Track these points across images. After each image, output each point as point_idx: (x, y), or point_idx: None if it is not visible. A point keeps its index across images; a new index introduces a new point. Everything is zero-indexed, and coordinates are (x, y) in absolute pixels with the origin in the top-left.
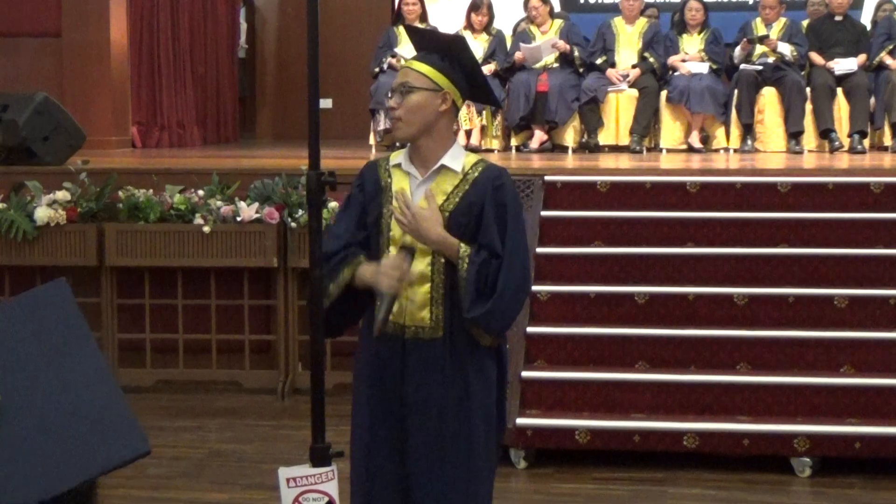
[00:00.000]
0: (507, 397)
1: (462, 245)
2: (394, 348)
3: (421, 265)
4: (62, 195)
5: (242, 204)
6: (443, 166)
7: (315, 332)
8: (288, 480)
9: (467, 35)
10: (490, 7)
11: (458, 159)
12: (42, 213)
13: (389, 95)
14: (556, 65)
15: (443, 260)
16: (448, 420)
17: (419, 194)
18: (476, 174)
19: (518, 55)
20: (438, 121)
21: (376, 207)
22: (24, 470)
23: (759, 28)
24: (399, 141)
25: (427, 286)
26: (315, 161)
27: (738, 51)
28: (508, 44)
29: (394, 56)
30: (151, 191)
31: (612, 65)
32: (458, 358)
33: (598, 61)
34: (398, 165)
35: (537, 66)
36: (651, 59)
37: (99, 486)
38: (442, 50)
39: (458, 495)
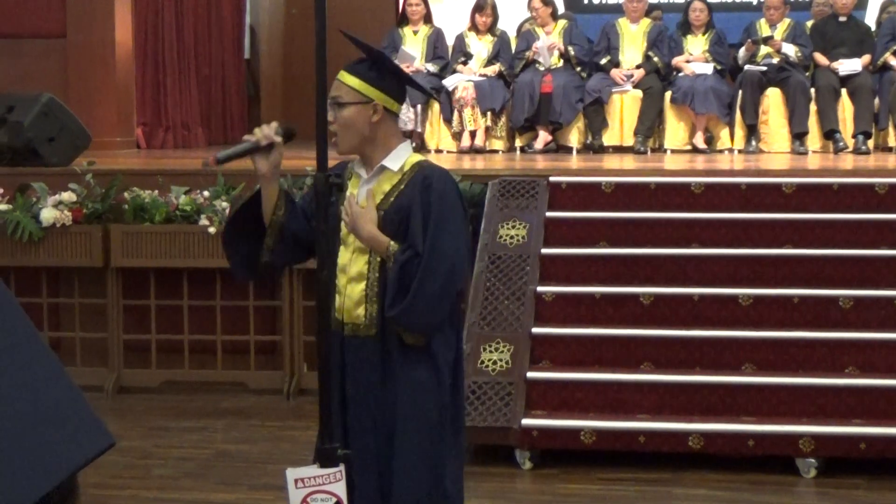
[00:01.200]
0: (460, 394)
1: (391, 244)
2: (335, 344)
3: (359, 264)
4: (68, 196)
5: None
6: (382, 167)
7: (322, 331)
8: (296, 481)
9: (471, 36)
10: (494, 8)
11: (398, 160)
12: (48, 215)
13: (328, 106)
14: (559, 64)
15: (379, 259)
16: (384, 418)
17: (363, 194)
18: (411, 175)
19: (535, 48)
20: (376, 130)
21: (334, 205)
22: None
23: (764, 29)
24: (341, 154)
25: (363, 284)
26: (322, 162)
27: (742, 51)
28: (513, 45)
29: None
30: (157, 192)
31: (616, 65)
32: (391, 356)
33: (602, 61)
34: (351, 169)
35: (541, 68)
36: (655, 59)
37: (77, 484)
38: (371, 62)
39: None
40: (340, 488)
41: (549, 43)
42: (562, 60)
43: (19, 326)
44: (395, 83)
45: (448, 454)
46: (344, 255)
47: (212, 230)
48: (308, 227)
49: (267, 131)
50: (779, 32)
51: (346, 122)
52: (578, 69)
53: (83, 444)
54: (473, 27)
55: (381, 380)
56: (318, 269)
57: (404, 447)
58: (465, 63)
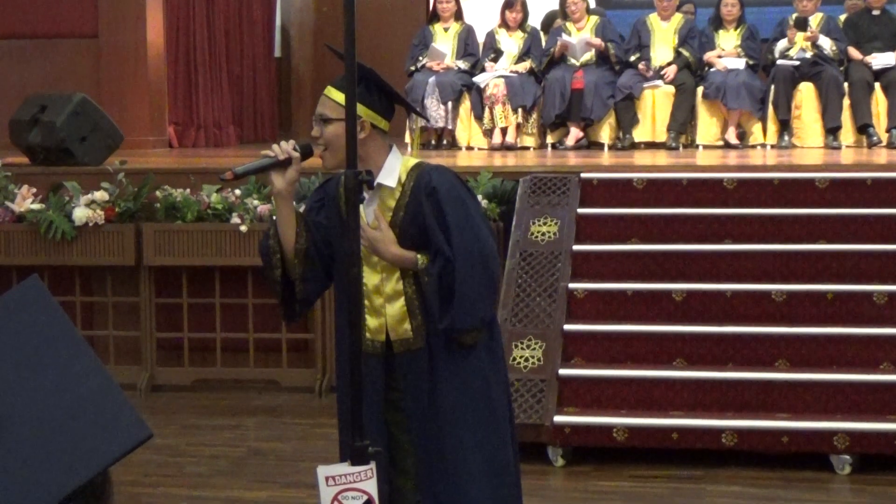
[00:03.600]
0: (507, 388)
1: (419, 257)
2: (375, 365)
3: (392, 282)
4: (100, 195)
5: None
6: (380, 185)
7: (353, 329)
8: (327, 479)
9: (502, 32)
10: (524, 4)
11: (392, 174)
12: (80, 214)
13: (314, 122)
14: (592, 61)
15: (411, 272)
16: (444, 428)
17: (369, 215)
18: (411, 183)
19: (560, 43)
20: (364, 147)
21: (329, 225)
22: (34, 474)
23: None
24: (327, 170)
25: (402, 300)
26: (352, 160)
27: (783, 43)
28: (543, 41)
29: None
30: (188, 190)
31: (646, 60)
32: (443, 361)
33: (632, 59)
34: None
35: (573, 61)
36: (686, 54)
37: (111, 480)
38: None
39: (481, 495)
40: (371, 486)
41: (586, 39)
42: (594, 57)
43: (57, 322)
44: (383, 99)
45: (508, 451)
46: (372, 276)
47: (243, 228)
48: (331, 248)
49: (285, 146)
50: (812, 26)
51: (333, 139)
52: (617, 67)
53: (121, 436)
54: (504, 24)
55: (432, 388)
56: (349, 267)
57: (465, 452)
58: (495, 60)
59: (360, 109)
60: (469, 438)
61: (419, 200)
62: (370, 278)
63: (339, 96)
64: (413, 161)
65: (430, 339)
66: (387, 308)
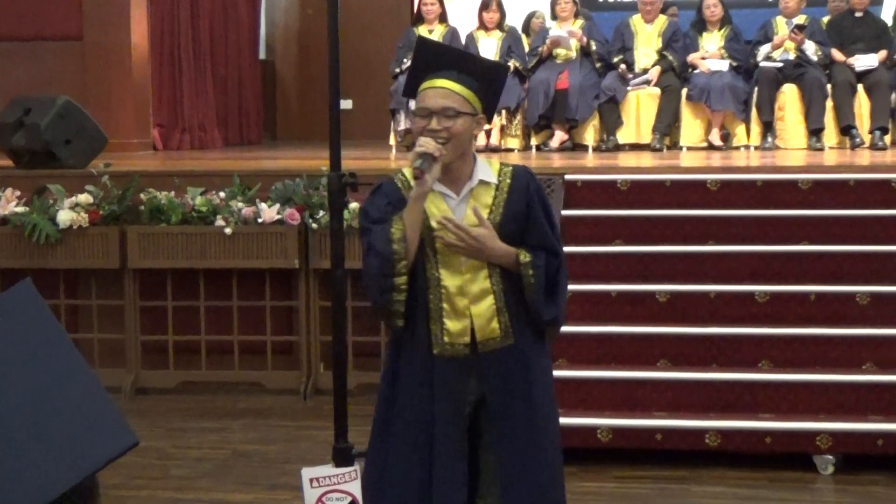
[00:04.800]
0: None
1: (521, 252)
2: (458, 368)
3: (479, 281)
4: (84, 198)
5: (264, 205)
6: (481, 181)
7: (337, 331)
8: (311, 480)
9: (480, 34)
10: (500, 4)
11: (489, 171)
12: (64, 216)
13: (422, 114)
14: (574, 55)
15: (499, 271)
16: (532, 420)
17: (459, 213)
18: (509, 181)
19: (550, 40)
20: (471, 143)
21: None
22: (21, 479)
23: (780, 26)
24: (446, 164)
25: (490, 298)
26: (336, 162)
27: (767, 46)
28: (525, 42)
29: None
30: (173, 193)
31: (629, 64)
32: (528, 358)
33: (615, 60)
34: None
35: (558, 59)
36: (670, 58)
37: (99, 483)
38: (483, 75)
39: (552, 488)
40: (355, 487)
41: (569, 30)
42: (579, 54)
43: (48, 326)
44: (495, 101)
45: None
46: (454, 279)
47: (228, 231)
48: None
49: (432, 142)
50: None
51: (459, 133)
52: (599, 66)
53: (107, 442)
54: (481, 25)
55: (527, 382)
56: (333, 269)
57: (545, 448)
58: None
59: (480, 107)
60: (554, 435)
61: (524, 196)
62: (452, 281)
63: (467, 92)
64: (497, 160)
65: (520, 335)
66: (472, 309)
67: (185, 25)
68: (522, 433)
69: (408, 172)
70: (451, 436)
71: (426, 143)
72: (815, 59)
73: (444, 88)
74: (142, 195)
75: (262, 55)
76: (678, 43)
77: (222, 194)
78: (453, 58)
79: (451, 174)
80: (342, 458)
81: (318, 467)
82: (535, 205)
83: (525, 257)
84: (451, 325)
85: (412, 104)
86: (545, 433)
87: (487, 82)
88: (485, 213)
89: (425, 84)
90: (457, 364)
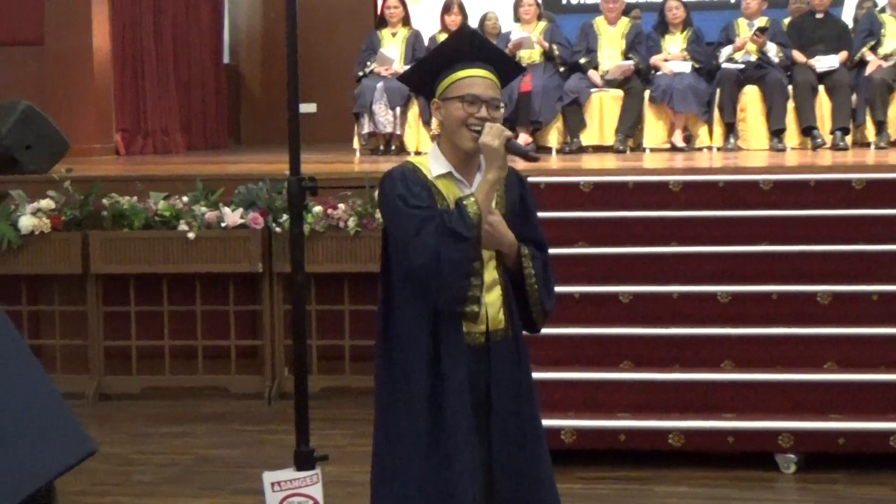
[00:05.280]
0: None
1: (521, 245)
2: (479, 354)
3: (490, 270)
4: (46, 203)
5: (227, 209)
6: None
7: (298, 336)
8: (273, 484)
9: (443, 37)
10: (462, 7)
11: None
12: (26, 222)
13: (469, 100)
14: (539, 60)
15: (501, 261)
16: (524, 410)
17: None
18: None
19: (512, 43)
20: None
21: None
22: None
23: (742, 28)
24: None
25: (499, 288)
26: (296, 166)
27: (728, 48)
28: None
29: (380, 62)
30: (136, 198)
31: (595, 67)
32: (521, 351)
33: (582, 61)
34: (447, 174)
35: (522, 62)
36: (635, 60)
37: (55, 490)
38: (504, 68)
39: (544, 474)
40: (317, 491)
41: (526, 36)
42: (542, 58)
43: (4, 333)
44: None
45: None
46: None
47: (191, 235)
48: None
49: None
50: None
51: (497, 122)
52: (562, 69)
53: (63, 451)
54: (444, 29)
55: (517, 373)
56: (293, 273)
57: (540, 444)
58: None
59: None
60: (540, 429)
61: (516, 191)
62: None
63: (498, 85)
64: None
65: (516, 327)
66: (486, 297)
67: (148, 30)
68: (510, 431)
69: (422, 166)
70: (472, 427)
71: (498, 128)
72: (776, 60)
73: (489, 79)
74: (104, 200)
75: (225, 59)
76: (642, 45)
77: (185, 199)
78: (494, 51)
79: (470, 164)
80: (304, 461)
81: (279, 471)
82: (526, 198)
83: (525, 249)
84: (481, 311)
85: (377, 107)
86: (539, 426)
87: (506, 80)
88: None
89: (464, 72)
90: (474, 353)
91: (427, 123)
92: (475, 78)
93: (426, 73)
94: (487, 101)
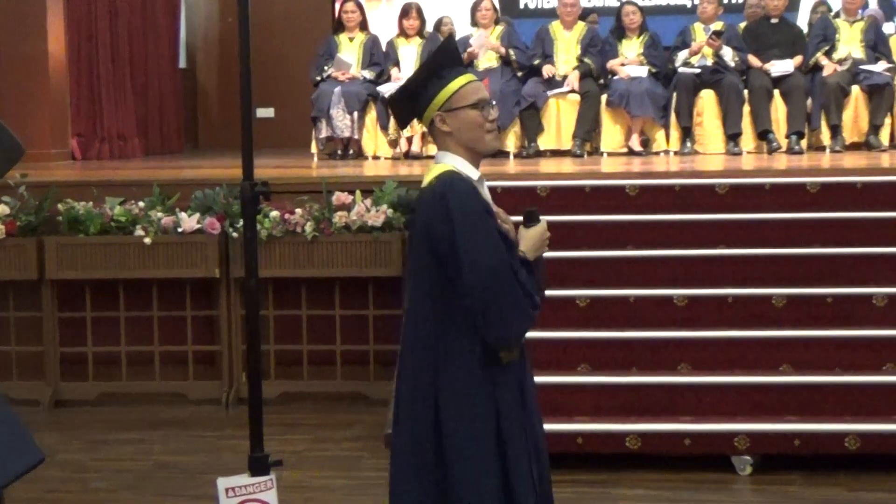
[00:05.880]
0: None
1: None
2: (522, 362)
3: None
4: (1, 209)
5: (183, 215)
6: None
7: (252, 341)
8: (227, 490)
9: (400, 41)
10: (420, 11)
11: None
12: None
13: (481, 106)
14: (496, 64)
15: None
16: (539, 418)
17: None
18: None
19: (468, 52)
20: None
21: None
22: None
23: (698, 32)
24: (494, 151)
25: None
26: (249, 170)
27: (685, 52)
28: None
29: (338, 67)
30: (91, 203)
31: (549, 65)
32: (528, 360)
33: (535, 62)
34: (479, 179)
35: (479, 66)
36: (588, 62)
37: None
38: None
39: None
40: (271, 496)
41: (484, 40)
42: (500, 62)
43: None
44: None
45: None
46: None
47: (147, 241)
48: None
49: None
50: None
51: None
52: (520, 74)
53: (11, 459)
54: (402, 33)
55: (529, 386)
56: (246, 279)
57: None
58: (399, 69)
59: None
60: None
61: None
62: None
63: None
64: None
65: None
66: None
67: (104, 34)
68: (539, 432)
69: (454, 168)
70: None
71: (544, 241)
72: (732, 64)
73: (477, 83)
74: (60, 206)
75: (182, 64)
76: (596, 48)
77: (142, 204)
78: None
79: (477, 165)
80: (258, 467)
81: (234, 477)
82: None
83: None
84: None
85: (334, 112)
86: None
87: None
88: None
89: (463, 79)
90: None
91: (385, 128)
92: (475, 83)
93: (421, 87)
94: (489, 102)
